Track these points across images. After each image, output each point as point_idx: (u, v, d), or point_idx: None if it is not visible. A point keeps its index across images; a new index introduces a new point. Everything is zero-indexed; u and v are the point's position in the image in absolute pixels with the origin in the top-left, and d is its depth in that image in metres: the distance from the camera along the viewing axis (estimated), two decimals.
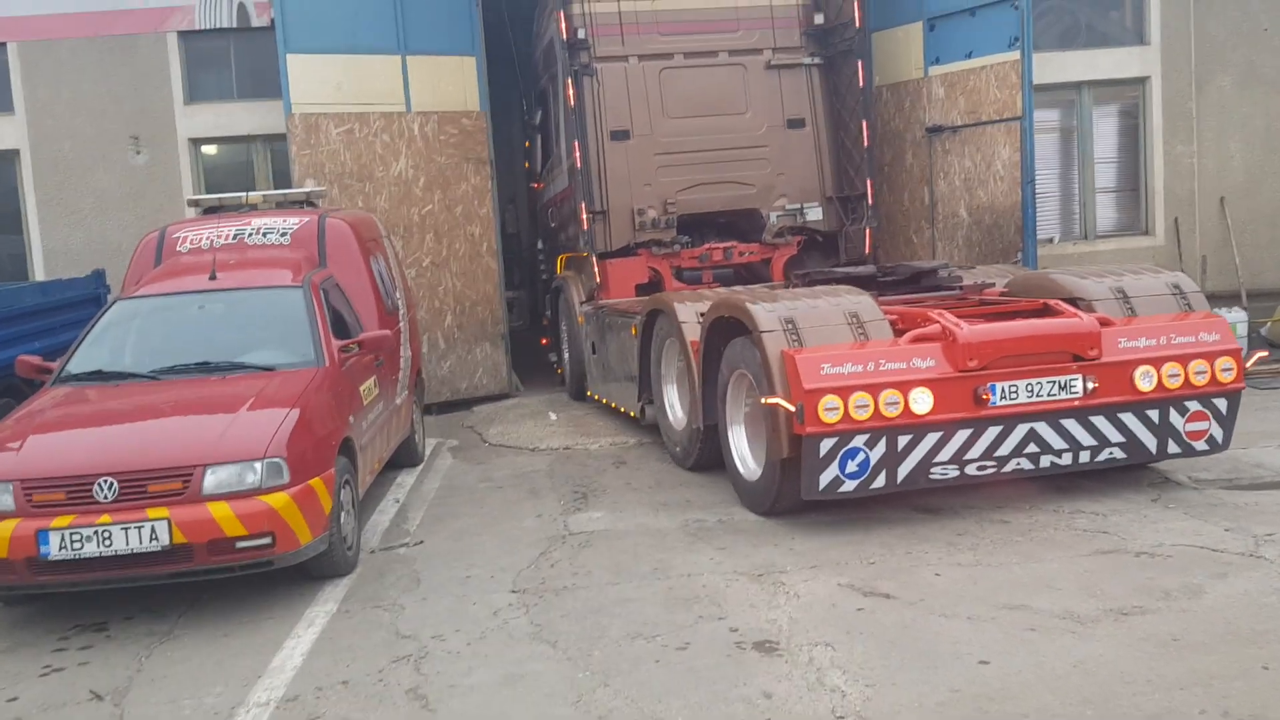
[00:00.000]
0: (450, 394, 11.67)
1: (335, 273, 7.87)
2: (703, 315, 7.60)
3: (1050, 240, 12.38)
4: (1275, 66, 12.71)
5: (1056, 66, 12.23)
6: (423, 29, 11.21)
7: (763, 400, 6.49)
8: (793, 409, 6.21)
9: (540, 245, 13.58)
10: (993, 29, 10.36)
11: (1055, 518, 6.63)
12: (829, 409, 6.13)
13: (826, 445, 6.22)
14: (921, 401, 6.27)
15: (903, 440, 6.32)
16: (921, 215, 11.32)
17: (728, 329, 7.18)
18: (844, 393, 6.15)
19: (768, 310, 6.61)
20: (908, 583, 5.72)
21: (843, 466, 6.28)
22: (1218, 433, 6.89)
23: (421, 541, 7.04)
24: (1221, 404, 6.84)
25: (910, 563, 6.01)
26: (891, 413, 6.21)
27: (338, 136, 10.99)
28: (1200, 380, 6.69)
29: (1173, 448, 6.83)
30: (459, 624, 5.55)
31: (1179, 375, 6.65)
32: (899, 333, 6.62)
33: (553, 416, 10.90)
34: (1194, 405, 6.77)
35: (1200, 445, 6.88)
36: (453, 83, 11.43)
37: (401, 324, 8.88)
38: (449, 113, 11.42)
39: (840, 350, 6.33)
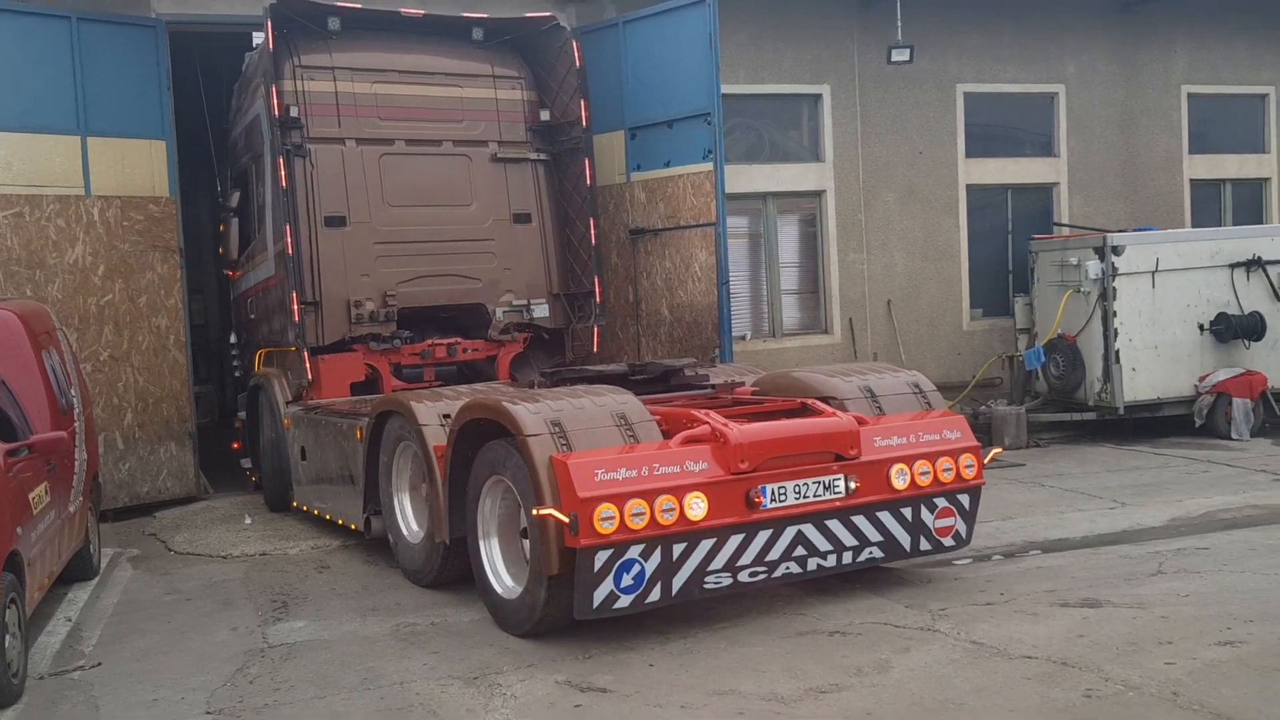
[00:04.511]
0: (129, 499, 10.82)
1: (0, 369, 7.16)
2: (447, 417, 7.06)
3: (743, 337, 13.13)
4: (929, 186, 14.26)
5: (745, 178, 13.13)
6: (107, 109, 10.56)
7: (532, 511, 5.97)
8: (566, 520, 5.78)
9: (234, 339, 12.72)
10: (688, 141, 10.96)
11: (757, 601, 6.91)
12: (605, 519, 5.73)
13: (601, 558, 5.82)
14: (697, 507, 6.00)
15: (678, 549, 6.04)
16: (627, 313, 11.70)
17: (479, 432, 6.68)
18: (619, 500, 5.78)
19: (532, 412, 6.14)
20: (623, 675, 5.77)
21: (618, 580, 5.90)
22: (962, 528, 7.12)
23: (99, 663, 6.41)
24: (965, 499, 7.08)
25: (625, 654, 6.07)
26: (667, 520, 5.91)
27: (4, 220, 10.11)
28: (947, 477, 6.83)
29: (924, 544, 6.94)
30: None
31: (929, 473, 6.77)
32: (665, 434, 6.35)
33: (248, 520, 10.28)
34: (942, 502, 6.93)
35: (948, 541, 7.04)
36: (139, 166, 10.81)
37: (77, 424, 8.18)
38: (134, 198, 10.78)
39: (613, 455, 5.98)
